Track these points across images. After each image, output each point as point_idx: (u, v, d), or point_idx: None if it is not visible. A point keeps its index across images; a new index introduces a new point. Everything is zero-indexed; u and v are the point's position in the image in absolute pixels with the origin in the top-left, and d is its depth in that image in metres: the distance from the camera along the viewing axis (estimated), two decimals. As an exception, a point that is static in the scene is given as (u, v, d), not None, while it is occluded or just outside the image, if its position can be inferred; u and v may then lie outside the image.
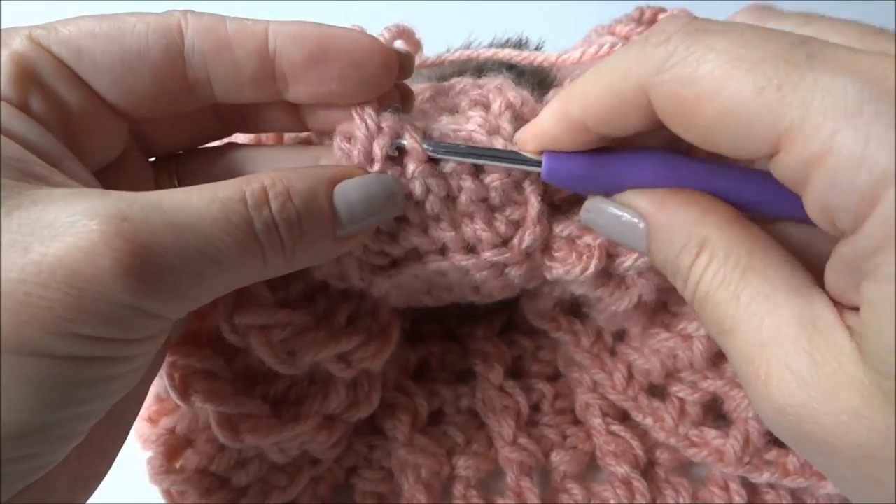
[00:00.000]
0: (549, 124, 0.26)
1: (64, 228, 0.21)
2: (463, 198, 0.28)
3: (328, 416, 0.35)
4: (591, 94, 0.24)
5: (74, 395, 0.22)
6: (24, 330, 0.20)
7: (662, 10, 0.39)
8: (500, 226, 0.29)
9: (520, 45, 0.45)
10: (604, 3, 0.40)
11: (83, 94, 0.26)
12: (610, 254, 0.30)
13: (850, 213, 0.19)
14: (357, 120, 0.27)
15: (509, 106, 0.29)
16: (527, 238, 0.29)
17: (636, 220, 0.25)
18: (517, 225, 0.29)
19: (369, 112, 0.27)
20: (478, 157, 0.27)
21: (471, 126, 0.29)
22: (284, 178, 0.25)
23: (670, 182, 0.25)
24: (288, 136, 0.33)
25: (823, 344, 0.20)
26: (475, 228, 0.29)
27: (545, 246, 0.30)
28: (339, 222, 0.26)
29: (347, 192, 0.26)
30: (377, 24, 0.29)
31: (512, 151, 0.27)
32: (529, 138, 0.27)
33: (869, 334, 0.19)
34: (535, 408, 0.40)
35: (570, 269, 0.30)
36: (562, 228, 0.30)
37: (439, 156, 0.27)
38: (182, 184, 0.30)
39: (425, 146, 0.27)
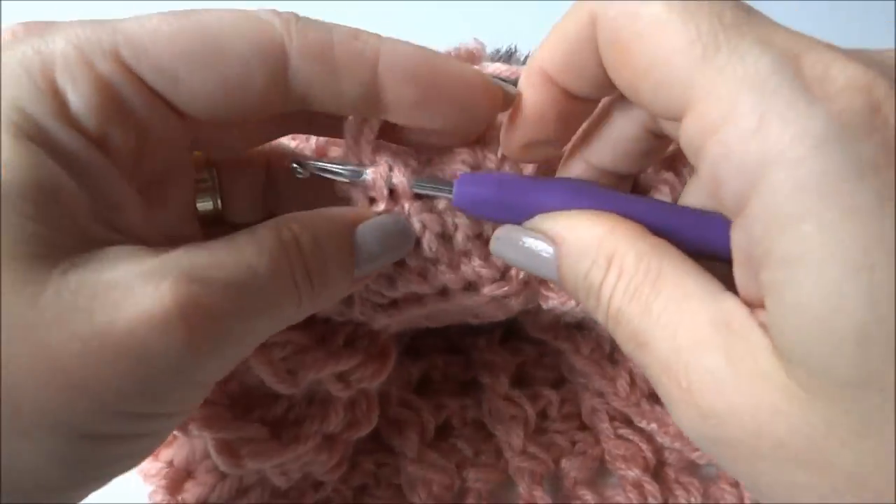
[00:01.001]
0: (523, 83, 0.24)
1: (129, 291, 0.19)
2: (459, 236, 0.28)
3: (328, 436, 0.34)
4: (552, 37, 0.23)
5: (104, 471, 0.21)
6: (72, 411, 0.18)
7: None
8: (497, 259, 0.29)
9: (510, 55, 0.45)
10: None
11: (166, 121, 0.23)
12: None
13: (736, 188, 0.18)
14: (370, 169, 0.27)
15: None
16: None
17: (544, 248, 0.24)
18: None
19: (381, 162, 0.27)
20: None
21: (456, 164, 0.27)
22: (311, 224, 0.24)
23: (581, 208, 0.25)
24: None
25: (738, 342, 0.19)
26: (474, 266, 0.28)
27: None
28: (357, 263, 0.26)
29: (366, 234, 0.26)
30: (373, 24, 0.28)
31: (427, 179, 0.27)
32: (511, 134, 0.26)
33: (774, 323, 0.18)
34: (543, 415, 0.40)
35: (565, 300, 0.30)
36: None
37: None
38: (220, 177, 0.29)
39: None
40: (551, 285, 0.30)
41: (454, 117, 0.25)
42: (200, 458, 0.35)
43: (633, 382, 0.38)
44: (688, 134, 0.19)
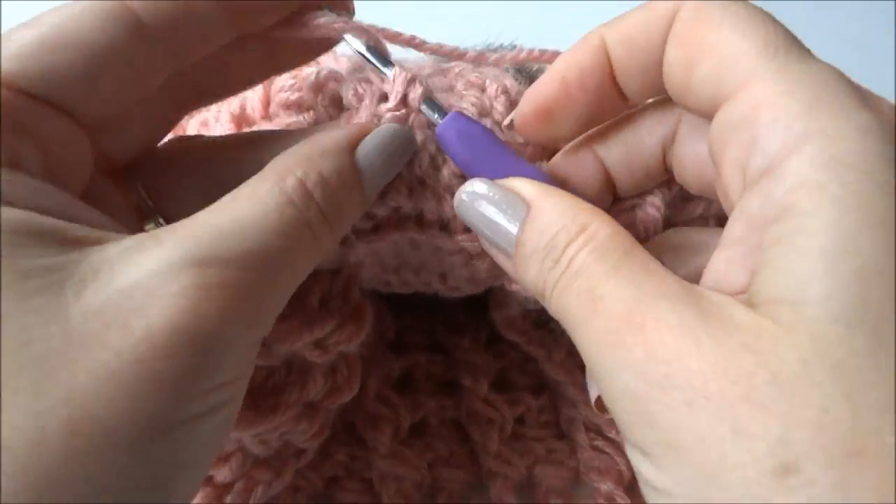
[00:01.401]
0: (579, 43, 0.25)
1: (152, 292, 0.19)
2: (445, 171, 0.28)
3: (308, 404, 0.34)
4: (627, 14, 0.23)
5: (204, 445, 0.22)
6: (149, 409, 0.19)
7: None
8: None
9: (510, 48, 0.45)
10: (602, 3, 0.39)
11: (60, 125, 0.23)
12: None
13: (773, 150, 0.19)
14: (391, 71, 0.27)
15: (505, 91, 0.29)
16: None
17: (512, 207, 0.24)
18: None
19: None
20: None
21: (463, 104, 0.29)
22: (313, 163, 0.24)
23: None
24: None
25: (706, 302, 0.19)
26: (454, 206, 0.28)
27: None
28: (365, 185, 0.26)
29: (369, 153, 0.26)
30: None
31: (434, 101, 0.27)
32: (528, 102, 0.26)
33: (771, 264, 0.18)
34: (520, 420, 0.40)
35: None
36: None
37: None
38: (153, 196, 0.27)
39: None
40: None
41: None
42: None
43: (608, 392, 0.36)
44: (733, 109, 0.20)
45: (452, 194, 0.28)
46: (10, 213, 0.20)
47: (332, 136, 0.26)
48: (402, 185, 0.28)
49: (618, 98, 0.25)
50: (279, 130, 0.29)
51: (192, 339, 0.19)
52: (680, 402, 0.17)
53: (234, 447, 0.35)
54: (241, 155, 0.28)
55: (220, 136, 0.30)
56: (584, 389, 0.36)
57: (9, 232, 0.19)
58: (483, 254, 0.30)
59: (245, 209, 0.22)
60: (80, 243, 0.20)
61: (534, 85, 0.26)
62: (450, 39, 0.38)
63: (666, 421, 0.18)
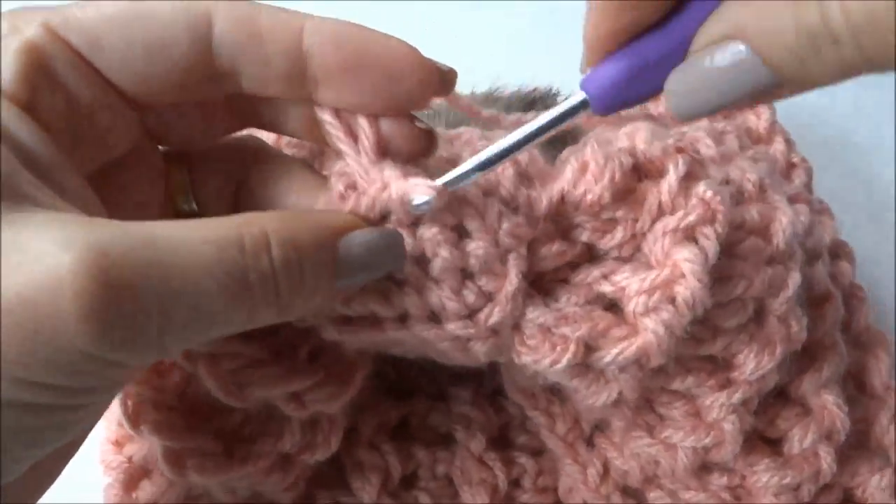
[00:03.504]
0: None
1: (33, 257, 0.19)
2: (437, 264, 0.26)
3: (282, 455, 0.33)
4: None
5: (12, 444, 0.20)
6: None
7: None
8: (470, 295, 0.27)
9: (548, 95, 0.44)
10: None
11: (98, 88, 0.24)
12: (589, 347, 0.27)
13: None
14: (358, 168, 0.25)
15: (514, 161, 0.27)
16: (495, 314, 0.27)
17: (733, 51, 0.19)
18: (488, 298, 0.27)
19: (371, 164, 0.25)
20: (509, 152, 0.24)
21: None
22: (292, 224, 0.23)
23: None
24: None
25: None
26: (441, 295, 0.27)
27: (517, 327, 0.28)
28: (339, 275, 0.24)
29: (352, 245, 0.24)
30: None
31: (544, 118, 0.24)
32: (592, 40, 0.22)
33: None
34: (516, 483, 0.37)
35: (539, 359, 0.28)
36: (538, 314, 0.28)
37: (462, 183, 0.25)
38: (193, 176, 0.28)
39: (440, 183, 0.25)
40: (528, 341, 0.28)
41: (384, 89, 0.24)
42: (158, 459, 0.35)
43: (606, 473, 0.34)
44: None
45: (440, 285, 0.26)
46: None
47: (323, 213, 0.25)
48: (368, 291, 0.26)
49: None
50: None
51: (33, 316, 0.18)
52: None
53: (201, 491, 0.34)
54: (275, 176, 0.28)
55: (279, 158, 0.29)
56: (583, 466, 0.34)
57: None
58: (483, 336, 0.28)
59: (188, 229, 0.21)
60: (24, 198, 0.21)
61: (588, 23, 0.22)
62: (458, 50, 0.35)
63: None
